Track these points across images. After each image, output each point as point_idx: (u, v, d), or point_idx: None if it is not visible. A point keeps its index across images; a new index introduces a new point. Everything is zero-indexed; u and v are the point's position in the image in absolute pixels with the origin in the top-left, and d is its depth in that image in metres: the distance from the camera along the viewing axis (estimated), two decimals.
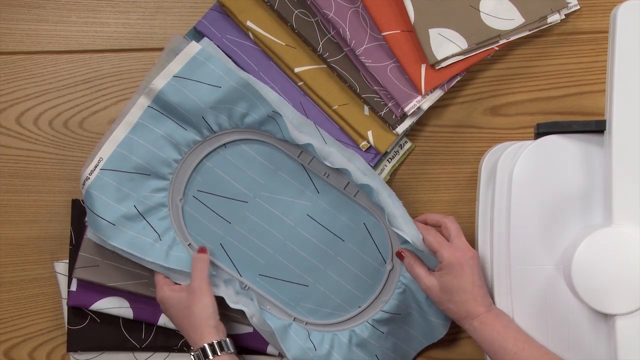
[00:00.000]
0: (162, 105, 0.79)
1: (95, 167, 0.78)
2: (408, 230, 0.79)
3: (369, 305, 0.85)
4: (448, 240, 0.77)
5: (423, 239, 0.78)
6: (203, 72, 0.79)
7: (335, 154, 0.80)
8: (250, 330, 0.85)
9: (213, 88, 0.79)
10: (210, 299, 0.77)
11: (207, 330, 0.75)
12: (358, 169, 0.81)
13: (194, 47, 0.79)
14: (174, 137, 0.80)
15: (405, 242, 0.81)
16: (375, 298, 0.85)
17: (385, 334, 0.85)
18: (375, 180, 0.81)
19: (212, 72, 0.79)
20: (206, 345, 0.74)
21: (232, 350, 0.76)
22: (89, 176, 0.78)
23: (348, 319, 0.85)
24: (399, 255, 0.81)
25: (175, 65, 0.79)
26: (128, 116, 0.79)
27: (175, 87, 0.78)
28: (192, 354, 0.75)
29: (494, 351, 0.71)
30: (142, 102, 0.79)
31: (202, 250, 0.80)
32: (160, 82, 0.78)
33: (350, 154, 0.82)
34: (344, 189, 0.83)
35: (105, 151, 0.79)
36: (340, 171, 0.81)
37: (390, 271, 0.84)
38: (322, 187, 0.83)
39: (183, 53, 0.79)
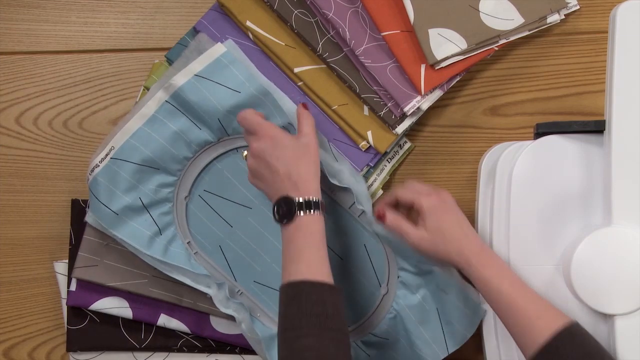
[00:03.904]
0: (180, 102, 0.79)
1: (107, 155, 0.78)
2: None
3: (358, 327, 0.84)
4: (419, 214, 0.75)
5: (398, 195, 0.76)
6: (225, 75, 0.78)
7: (345, 173, 0.80)
8: None
9: (233, 92, 0.78)
10: (319, 157, 0.73)
11: (315, 185, 0.71)
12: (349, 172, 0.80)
13: (218, 48, 0.79)
14: (187, 135, 0.80)
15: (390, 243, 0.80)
16: (366, 320, 0.84)
17: (370, 357, 0.84)
18: (360, 184, 0.80)
19: (234, 76, 0.78)
20: (318, 200, 0.70)
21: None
22: (99, 164, 0.78)
23: None
24: (380, 216, 0.77)
25: (198, 65, 0.78)
26: (144, 108, 0.79)
27: (195, 86, 0.78)
28: (299, 199, 0.70)
29: (489, 292, 0.70)
30: (160, 96, 0.79)
31: (305, 106, 0.77)
32: (180, 79, 0.78)
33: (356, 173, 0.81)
34: (349, 208, 0.82)
35: (118, 140, 0.79)
36: (347, 190, 0.81)
37: (384, 295, 0.83)
38: (328, 204, 0.82)
39: (207, 53, 0.78)
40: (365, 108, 0.83)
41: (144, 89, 0.85)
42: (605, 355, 0.65)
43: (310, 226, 0.70)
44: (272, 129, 0.74)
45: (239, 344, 0.85)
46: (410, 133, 0.86)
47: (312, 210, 0.70)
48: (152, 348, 0.85)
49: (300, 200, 0.70)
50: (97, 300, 0.83)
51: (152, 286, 0.82)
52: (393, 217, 0.76)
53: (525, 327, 0.67)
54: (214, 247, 0.83)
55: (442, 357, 0.82)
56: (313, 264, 0.69)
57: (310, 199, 0.70)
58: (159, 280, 0.82)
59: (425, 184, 0.77)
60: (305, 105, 0.77)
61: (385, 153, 0.84)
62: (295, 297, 0.67)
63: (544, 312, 0.67)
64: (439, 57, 0.80)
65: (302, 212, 0.70)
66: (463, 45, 0.80)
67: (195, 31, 0.83)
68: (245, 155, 0.77)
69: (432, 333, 0.82)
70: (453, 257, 0.72)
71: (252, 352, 0.85)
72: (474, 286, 0.73)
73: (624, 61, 0.70)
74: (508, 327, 0.69)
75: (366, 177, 0.84)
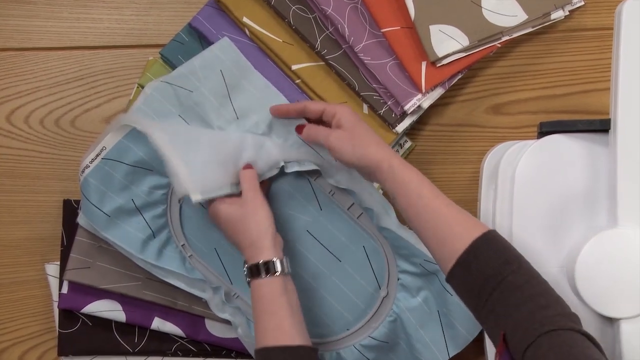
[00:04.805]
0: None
1: (97, 155, 0.77)
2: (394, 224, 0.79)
3: (357, 330, 0.83)
4: (333, 118, 0.75)
5: (307, 105, 0.76)
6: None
7: (343, 174, 0.79)
8: None
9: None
10: (264, 212, 0.73)
11: (266, 242, 0.72)
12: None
13: None
14: None
15: (386, 230, 0.80)
16: (365, 323, 0.83)
17: None
18: (362, 184, 0.80)
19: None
20: (260, 264, 0.71)
21: (286, 271, 0.72)
22: (90, 164, 0.77)
23: (335, 341, 0.83)
24: (299, 129, 0.78)
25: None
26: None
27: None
28: (245, 268, 0.72)
29: (408, 194, 0.69)
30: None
31: (248, 166, 0.77)
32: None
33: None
34: (348, 209, 0.82)
35: (110, 141, 0.78)
36: (346, 191, 0.80)
37: (384, 298, 0.82)
38: (326, 204, 0.82)
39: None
40: (365, 106, 0.83)
41: (138, 87, 0.84)
42: (522, 261, 0.65)
43: (262, 290, 0.71)
44: (211, 209, 0.75)
45: (234, 348, 0.84)
46: (410, 132, 0.86)
47: (264, 274, 0.71)
48: (146, 352, 0.84)
49: (248, 266, 0.72)
50: (89, 303, 0.82)
51: (145, 289, 0.81)
52: (310, 126, 0.77)
53: (444, 233, 0.67)
54: (209, 250, 0.82)
55: None
56: (269, 331, 0.70)
57: (259, 263, 0.71)
58: (153, 283, 0.81)
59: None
60: (249, 166, 0.77)
61: None
62: None
63: (462, 220, 0.67)
64: (440, 54, 0.79)
65: (253, 278, 0.72)
66: (465, 42, 0.80)
67: (190, 27, 0.82)
68: None
69: (432, 336, 0.81)
70: (372, 156, 0.72)
71: (248, 356, 0.84)
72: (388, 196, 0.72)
73: (629, 58, 0.70)
74: (427, 237, 0.68)
75: None
